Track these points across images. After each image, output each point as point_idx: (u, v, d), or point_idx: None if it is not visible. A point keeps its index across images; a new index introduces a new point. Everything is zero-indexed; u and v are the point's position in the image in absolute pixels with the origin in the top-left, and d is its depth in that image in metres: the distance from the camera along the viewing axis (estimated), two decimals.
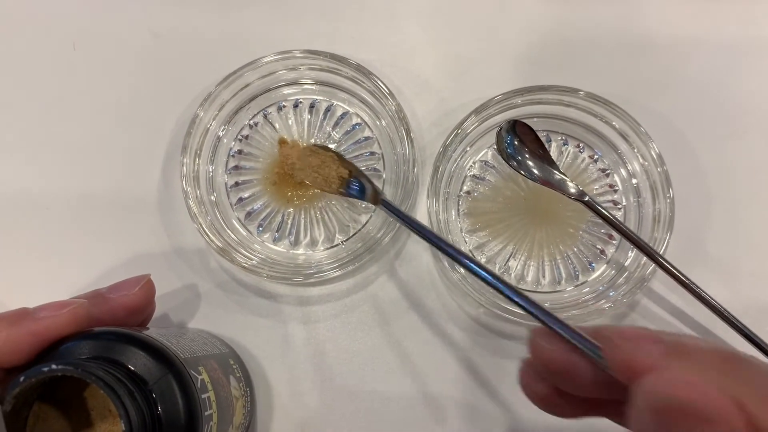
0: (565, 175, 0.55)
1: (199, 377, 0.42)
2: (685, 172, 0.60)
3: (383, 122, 0.61)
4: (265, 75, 0.61)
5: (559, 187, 0.54)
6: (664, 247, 0.54)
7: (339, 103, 0.62)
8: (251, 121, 0.62)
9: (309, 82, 0.62)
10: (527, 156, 0.55)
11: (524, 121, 0.57)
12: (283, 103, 0.62)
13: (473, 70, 0.65)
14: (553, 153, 0.60)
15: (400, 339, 0.58)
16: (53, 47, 0.66)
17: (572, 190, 0.54)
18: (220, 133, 0.61)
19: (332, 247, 0.59)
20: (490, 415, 0.56)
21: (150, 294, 0.49)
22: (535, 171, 0.55)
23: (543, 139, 0.58)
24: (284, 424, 0.56)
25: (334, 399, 0.57)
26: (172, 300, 0.59)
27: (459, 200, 0.59)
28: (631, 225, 0.58)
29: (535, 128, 0.57)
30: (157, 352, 0.40)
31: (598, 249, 0.58)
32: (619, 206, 0.59)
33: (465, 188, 0.60)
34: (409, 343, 0.58)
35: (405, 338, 0.58)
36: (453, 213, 0.59)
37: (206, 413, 0.41)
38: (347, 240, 0.59)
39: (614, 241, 0.58)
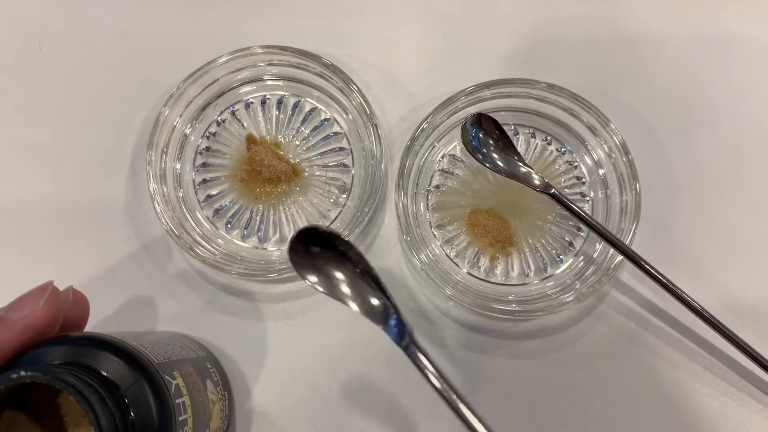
0: (531, 168, 0.55)
1: (174, 382, 0.41)
2: (654, 163, 0.61)
3: (351, 117, 0.61)
4: (232, 71, 0.61)
5: (525, 180, 0.55)
6: (630, 238, 0.55)
7: (308, 99, 0.62)
8: (219, 118, 0.61)
9: (277, 78, 0.62)
10: (492, 149, 0.56)
11: (492, 114, 0.57)
12: (251, 99, 0.62)
13: (442, 65, 0.65)
14: (521, 146, 0.60)
15: (371, 334, 0.57)
16: (18, 47, 0.65)
17: (537, 182, 0.55)
18: (187, 131, 0.61)
19: None
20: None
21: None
22: (500, 163, 0.55)
23: (510, 133, 0.59)
24: (263, 427, 0.56)
25: (308, 395, 0.56)
26: (142, 302, 0.58)
27: (428, 195, 0.60)
28: (599, 217, 0.59)
29: (503, 122, 0.58)
30: (130, 357, 0.40)
31: (567, 241, 0.59)
32: (587, 198, 0.60)
33: (434, 182, 0.60)
34: (380, 338, 0.57)
35: (376, 333, 0.57)
36: (422, 207, 0.59)
37: (180, 418, 0.40)
38: None
39: (582, 233, 0.59)
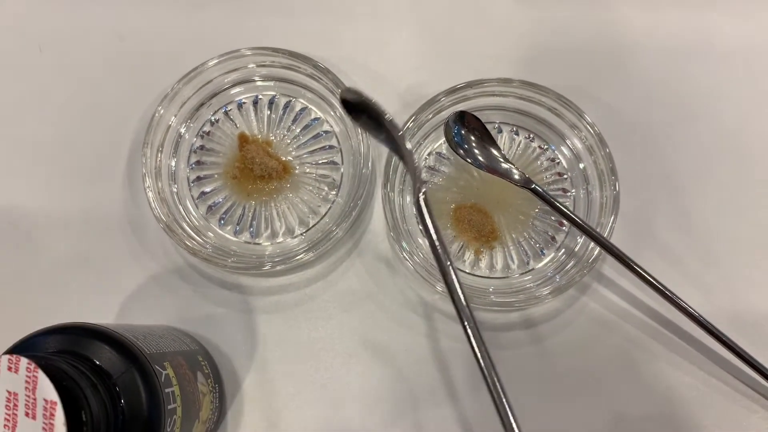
0: (512, 164, 0.57)
1: (164, 372, 0.43)
2: (634, 160, 0.63)
3: (340, 116, 0.62)
4: (225, 72, 0.63)
5: (506, 175, 0.57)
6: (608, 231, 0.56)
7: (299, 100, 0.64)
8: (212, 118, 0.63)
9: (268, 79, 0.64)
10: (474, 145, 0.57)
11: (476, 112, 0.59)
12: (243, 99, 0.64)
13: (430, 66, 0.67)
14: (505, 143, 0.62)
15: (360, 326, 0.59)
16: (19, 50, 0.67)
17: (517, 177, 0.56)
18: (182, 130, 0.63)
19: (293, 238, 0.61)
20: (448, 397, 0.58)
21: None
22: (482, 159, 0.57)
23: (494, 130, 0.61)
24: (254, 417, 0.58)
25: (298, 387, 0.58)
26: (139, 296, 0.60)
27: None
28: (581, 212, 0.60)
29: (487, 119, 0.59)
30: (122, 347, 0.42)
31: (549, 236, 0.60)
32: (569, 194, 0.61)
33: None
34: (368, 330, 0.59)
35: (364, 325, 0.59)
36: (408, 203, 0.61)
37: (170, 407, 0.42)
38: (307, 231, 0.60)
39: (564, 228, 0.60)
